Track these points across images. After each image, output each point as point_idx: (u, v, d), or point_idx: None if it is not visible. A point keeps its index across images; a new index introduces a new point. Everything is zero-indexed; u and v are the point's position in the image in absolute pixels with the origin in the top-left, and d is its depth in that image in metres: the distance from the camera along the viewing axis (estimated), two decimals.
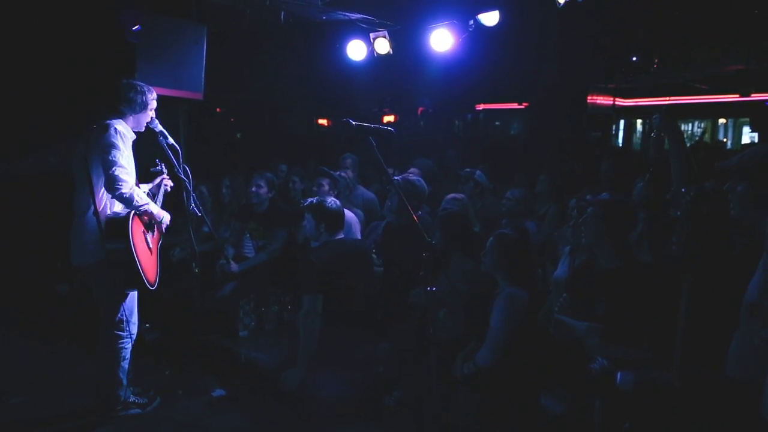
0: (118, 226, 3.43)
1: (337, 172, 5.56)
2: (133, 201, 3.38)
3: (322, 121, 13.55)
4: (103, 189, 3.44)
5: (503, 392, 3.12)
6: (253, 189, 5.04)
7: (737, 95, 11.33)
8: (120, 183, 3.30)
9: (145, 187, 3.91)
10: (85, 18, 5.15)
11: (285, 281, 4.72)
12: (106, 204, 3.52)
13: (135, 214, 3.49)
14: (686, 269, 2.63)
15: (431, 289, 3.00)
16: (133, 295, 3.73)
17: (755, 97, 10.75)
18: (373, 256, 4.61)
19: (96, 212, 3.43)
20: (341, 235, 4.01)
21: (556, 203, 5.35)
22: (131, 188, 3.36)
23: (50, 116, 5.59)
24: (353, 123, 2.79)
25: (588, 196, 4.00)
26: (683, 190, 2.65)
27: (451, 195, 4.88)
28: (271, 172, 5.46)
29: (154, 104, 3.72)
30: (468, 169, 5.55)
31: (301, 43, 7.66)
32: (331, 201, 3.97)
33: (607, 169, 5.33)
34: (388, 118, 13.37)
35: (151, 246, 3.66)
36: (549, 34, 7.34)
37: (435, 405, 3.18)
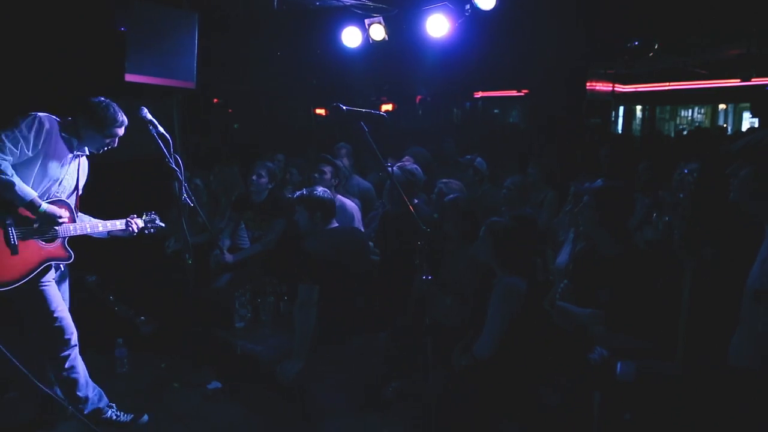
0: None
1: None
2: None
3: (320, 111, 13.45)
4: None
5: (501, 383, 3.07)
6: (254, 178, 4.98)
7: (738, 80, 11.19)
8: None
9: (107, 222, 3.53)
10: (75, 7, 5.09)
11: (281, 272, 4.67)
12: None
13: None
14: (689, 254, 2.56)
15: (427, 278, 2.94)
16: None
17: (756, 81, 10.60)
18: (370, 245, 4.56)
19: None
20: (335, 224, 3.96)
21: (553, 190, 5.28)
22: None
23: (42, 107, 5.52)
24: (344, 108, 2.72)
25: (587, 184, 3.93)
26: (686, 171, 2.57)
27: (445, 179, 4.80)
28: (268, 161, 5.40)
29: (120, 132, 3.35)
30: (468, 156, 5.47)
31: (297, 32, 7.57)
32: (321, 190, 3.91)
33: (606, 154, 5.26)
34: (386, 107, 13.29)
35: (15, 242, 3.10)
36: (547, 20, 7.22)
37: (432, 395, 3.14)
